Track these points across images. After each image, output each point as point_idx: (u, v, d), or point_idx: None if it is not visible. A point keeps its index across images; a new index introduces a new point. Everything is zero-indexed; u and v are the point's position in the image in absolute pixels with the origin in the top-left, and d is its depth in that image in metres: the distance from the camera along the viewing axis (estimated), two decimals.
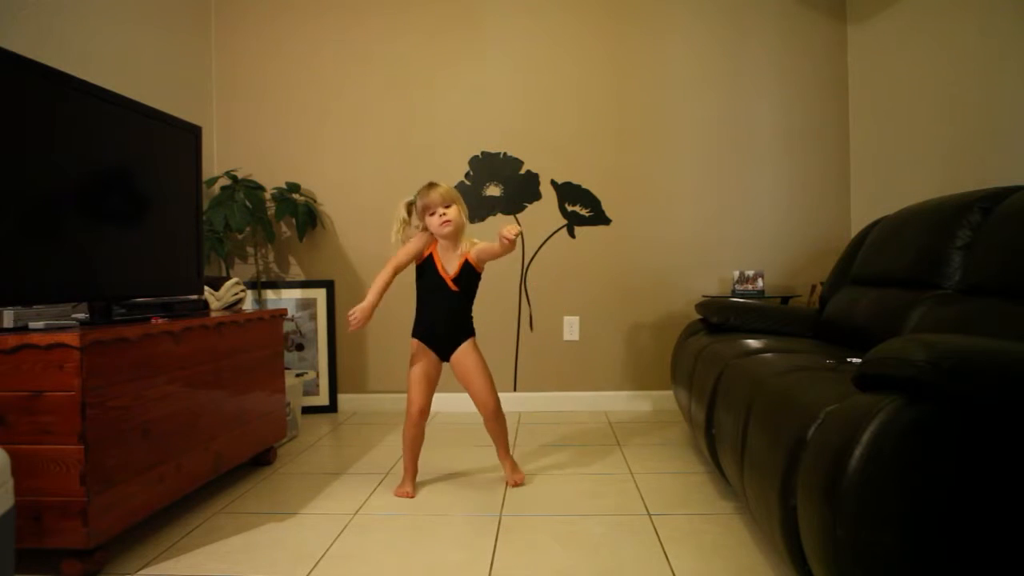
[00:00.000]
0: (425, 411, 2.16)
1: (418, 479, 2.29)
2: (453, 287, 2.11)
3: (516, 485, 2.17)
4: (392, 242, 2.16)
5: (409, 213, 2.16)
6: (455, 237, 2.11)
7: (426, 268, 2.14)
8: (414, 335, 2.18)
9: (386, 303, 3.41)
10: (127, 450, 1.66)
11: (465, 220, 2.13)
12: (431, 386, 2.16)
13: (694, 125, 3.39)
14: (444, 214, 2.06)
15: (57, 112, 1.71)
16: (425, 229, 2.13)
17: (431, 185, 2.11)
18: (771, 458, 1.33)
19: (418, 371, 2.14)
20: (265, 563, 1.65)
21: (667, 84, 3.38)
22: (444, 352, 2.16)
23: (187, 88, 3.23)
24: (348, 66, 3.41)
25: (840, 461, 1.02)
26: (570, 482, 2.24)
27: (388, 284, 2.12)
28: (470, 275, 2.14)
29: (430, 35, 3.40)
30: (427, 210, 2.08)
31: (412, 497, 2.11)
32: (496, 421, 2.17)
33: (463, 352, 2.15)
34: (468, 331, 2.17)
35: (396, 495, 2.12)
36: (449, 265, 2.12)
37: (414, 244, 2.14)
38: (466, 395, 3.34)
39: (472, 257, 2.12)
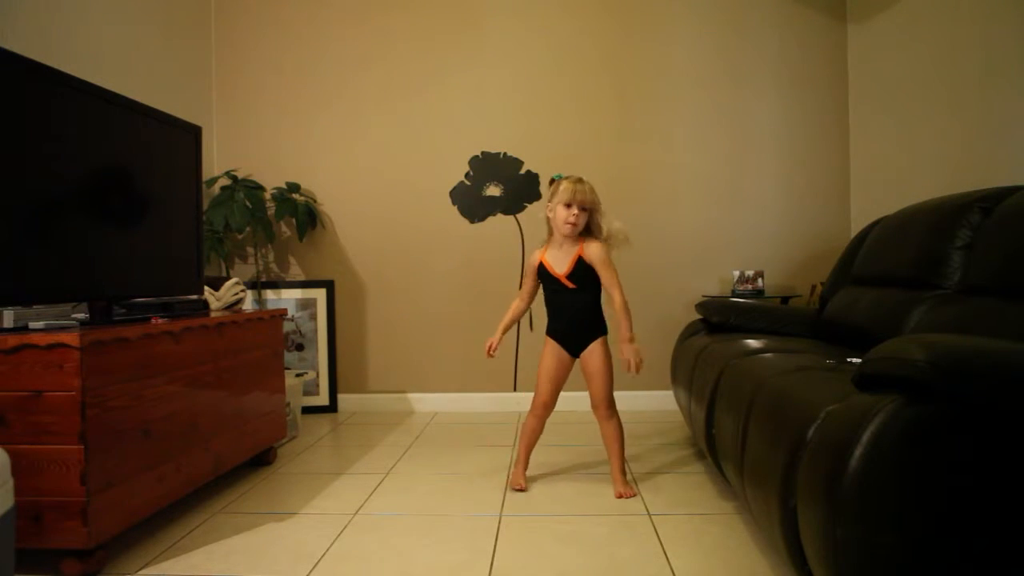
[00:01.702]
0: (549, 405, 2.20)
1: (417, 479, 2.29)
2: (570, 284, 2.13)
3: (620, 497, 2.07)
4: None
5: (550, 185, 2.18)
6: (571, 236, 2.12)
7: (543, 275, 2.18)
8: (547, 333, 2.21)
9: (386, 303, 3.43)
10: (127, 450, 1.66)
11: (604, 227, 2.14)
12: (559, 382, 2.20)
13: (694, 125, 3.39)
14: (575, 216, 2.07)
15: (57, 112, 1.71)
16: (548, 216, 2.15)
17: (580, 180, 2.10)
18: (771, 458, 1.33)
19: (548, 367, 2.18)
20: (265, 563, 1.65)
21: (667, 84, 3.38)
22: (574, 349, 2.18)
23: (187, 88, 3.23)
24: (348, 66, 3.42)
25: (840, 461, 1.02)
26: (570, 482, 2.24)
27: (518, 315, 2.28)
28: (585, 270, 2.12)
29: (430, 36, 3.40)
30: (564, 202, 2.08)
31: (525, 490, 2.15)
32: (608, 422, 2.15)
33: (591, 350, 2.16)
34: (599, 329, 2.17)
35: (513, 488, 2.16)
36: (559, 264, 2.14)
37: (528, 271, 2.22)
38: (465, 396, 3.39)
39: (587, 255, 2.11)
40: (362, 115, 3.42)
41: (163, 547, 1.74)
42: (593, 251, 2.10)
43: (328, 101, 3.43)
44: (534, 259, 2.20)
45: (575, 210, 2.07)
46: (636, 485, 2.18)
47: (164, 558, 1.68)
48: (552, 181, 2.16)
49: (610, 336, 2.18)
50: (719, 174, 3.39)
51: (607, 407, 2.15)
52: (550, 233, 2.18)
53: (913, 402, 0.99)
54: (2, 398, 1.51)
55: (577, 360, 2.19)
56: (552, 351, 2.18)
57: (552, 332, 2.20)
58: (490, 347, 2.22)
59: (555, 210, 2.11)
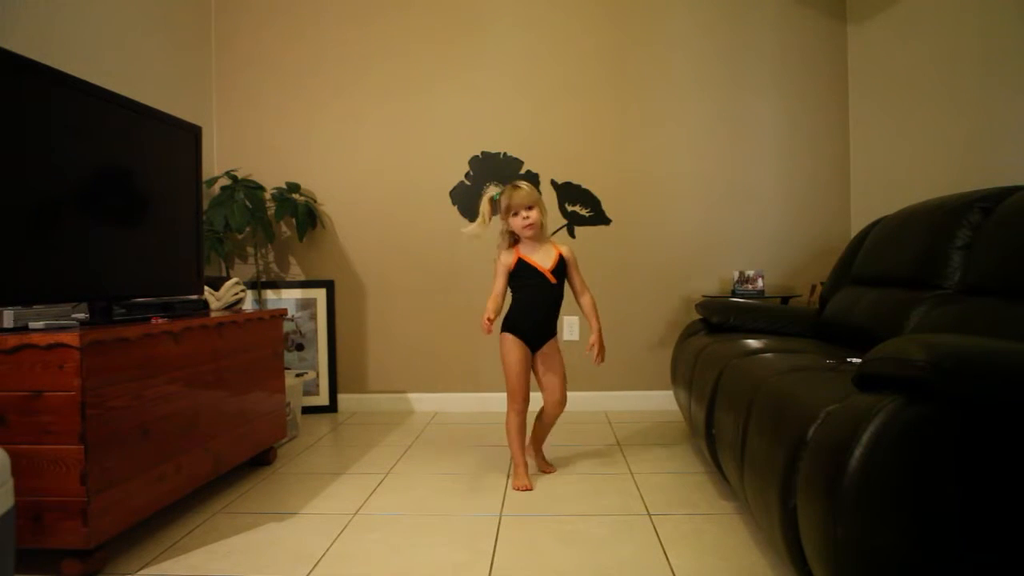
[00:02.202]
0: (528, 399, 2.26)
1: (417, 480, 2.29)
2: (552, 279, 2.22)
3: (547, 472, 2.30)
4: (469, 233, 2.30)
5: (492, 210, 2.29)
6: (537, 236, 2.24)
7: (520, 270, 2.23)
8: (507, 329, 2.25)
9: (386, 303, 3.44)
10: (127, 450, 1.66)
11: (545, 219, 2.27)
12: (529, 374, 2.27)
13: (694, 125, 3.39)
14: (527, 216, 2.19)
15: (57, 112, 1.71)
16: (508, 229, 2.25)
17: (515, 187, 2.22)
18: (771, 458, 1.33)
19: (517, 363, 2.23)
20: (265, 563, 1.65)
21: (667, 84, 3.38)
22: (534, 345, 2.26)
23: (187, 88, 3.23)
24: (348, 66, 3.42)
25: (840, 461, 1.02)
26: (570, 482, 2.24)
27: (501, 302, 2.26)
28: (564, 267, 2.26)
29: (430, 36, 3.40)
30: (510, 211, 2.21)
31: (532, 489, 2.16)
32: (559, 409, 2.29)
33: (550, 347, 2.28)
34: (555, 328, 2.30)
35: (516, 488, 2.17)
36: (542, 260, 2.23)
37: (502, 270, 2.25)
38: (465, 396, 3.39)
39: (566, 254, 2.27)
40: (362, 115, 3.42)
41: (163, 547, 1.74)
42: (569, 252, 2.27)
43: (329, 101, 3.42)
44: (509, 258, 2.24)
45: (524, 213, 2.19)
46: (637, 485, 2.18)
47: (164, 558, 1.68)
48: (492, 200, 2.27)
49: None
50: (719, 174, 3.39)
51: (565, 401, 2.30)
52: (513, 242, 2.27)
53: (913, 402, 0.99)
54: (2, 398, 1.52)
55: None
56: (516, 345, 2.23)
57: (514, 327, 2.24)
58: (488, 321, 2.11)
59: (511, 224, 2.22)
